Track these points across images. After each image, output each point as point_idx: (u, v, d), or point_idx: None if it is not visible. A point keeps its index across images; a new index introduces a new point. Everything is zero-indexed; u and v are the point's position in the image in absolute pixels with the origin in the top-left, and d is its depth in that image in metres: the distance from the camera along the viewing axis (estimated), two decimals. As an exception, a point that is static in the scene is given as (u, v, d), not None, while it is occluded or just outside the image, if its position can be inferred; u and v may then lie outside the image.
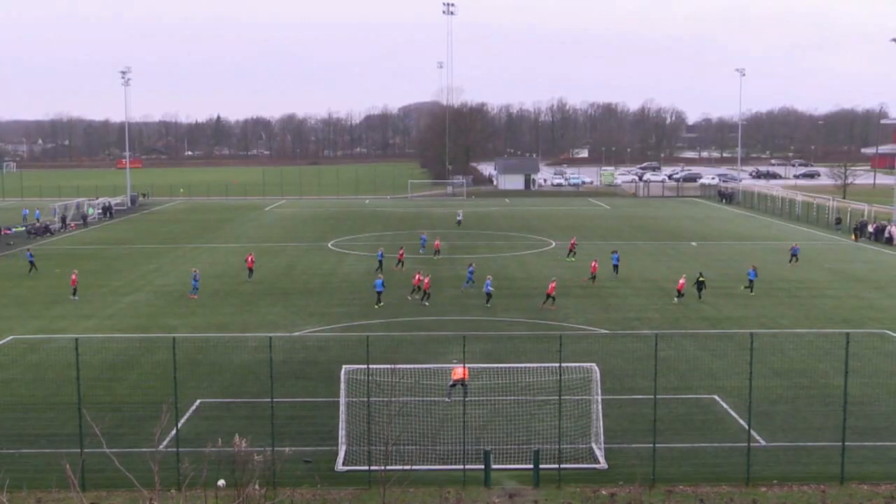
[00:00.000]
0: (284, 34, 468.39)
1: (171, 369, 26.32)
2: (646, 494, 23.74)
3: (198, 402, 32.20)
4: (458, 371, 30.85)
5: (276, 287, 55.40)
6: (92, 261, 66.91)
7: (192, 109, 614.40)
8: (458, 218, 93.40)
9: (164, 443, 26.85)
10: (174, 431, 26.37)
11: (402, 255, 62.74)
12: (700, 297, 50.47)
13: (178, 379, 26.81)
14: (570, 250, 67.81)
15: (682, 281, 50.85)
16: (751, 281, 52.76)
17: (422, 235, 74.93)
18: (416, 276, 50.95)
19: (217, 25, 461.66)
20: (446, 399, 30.66)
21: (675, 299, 49.81)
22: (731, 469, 25.78)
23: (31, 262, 61.22)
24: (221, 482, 23.37)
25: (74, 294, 51.49)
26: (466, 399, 28.54)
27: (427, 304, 48.51)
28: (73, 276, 52.57)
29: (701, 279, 51.23)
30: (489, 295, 48.25)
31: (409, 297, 49.11)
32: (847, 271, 60.91)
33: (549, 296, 47.68)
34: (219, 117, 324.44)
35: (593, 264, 56.84)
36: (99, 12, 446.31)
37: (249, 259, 59.12)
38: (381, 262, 60.08)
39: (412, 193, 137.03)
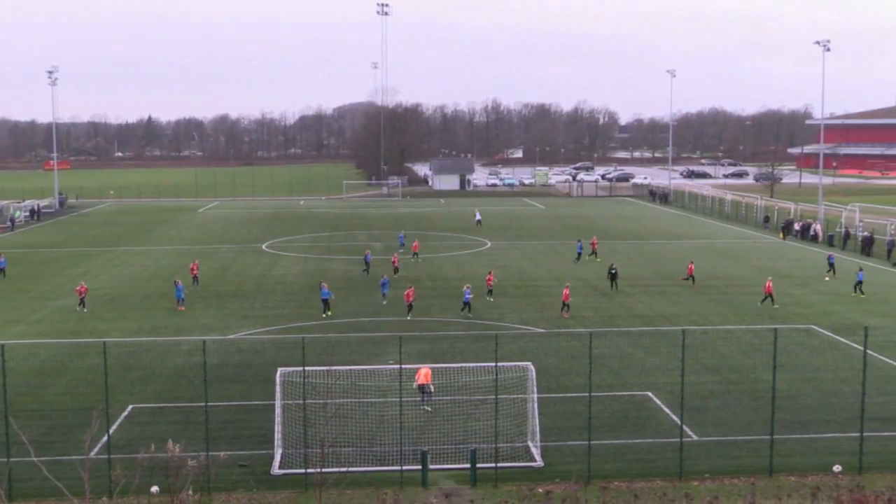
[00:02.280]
0: (216, 34, 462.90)
1: (102, 375, 25.83)
2: (581, 491, 23.98)
3: (130, 407, 31.65)
4: (421, 375, 30.65)
5: (209, 290, 54.71)
6: (19, 265, 65.25)
7: (122, 110, 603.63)
8: (477, 217, 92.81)
9: (95, 450, 26.33)
10: (105, 438, 25.91)
11: (395, 260, 60.70)
12: (613, 288, 53.11)
13: (110, 384, 26.33)
14: (593, 250, 67.04)
15: (691, 266, 55.46)
16: (860, 282, 51.94)
17: (400, 234, 74.64)
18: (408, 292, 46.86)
19: (147, 25, 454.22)
20: (427, 408, 30.39)
21: (688, 281, 55.06)
22: (665, 464, 26.19)
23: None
24: (154, 488, 23.01)
25: None
26: (403, 399, 28.50)
27: (409, 317, 45.69)
28: None
29: (613, 270, 54.10)
30: (467, 304, 46.41)
31: (409, 317, 45.72)
32: (774, 268, 62.29)
33: (564, 303, 46.50)
34: (150, 118, 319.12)
35: (691, 266, 56.18)
36: (24, 10, 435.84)
37: (193, 266, 57.02)
38: (368, 263, 60.14)
39: (347, 194, 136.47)
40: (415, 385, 30.70)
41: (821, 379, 34.79)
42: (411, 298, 46.03)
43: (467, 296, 46.47)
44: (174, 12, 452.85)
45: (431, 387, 30.63)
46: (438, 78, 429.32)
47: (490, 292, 50.18)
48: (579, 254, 66.26)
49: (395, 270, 58.77)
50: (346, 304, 49.81)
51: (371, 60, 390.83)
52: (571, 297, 47.34)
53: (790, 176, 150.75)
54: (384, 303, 48.92)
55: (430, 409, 30.35)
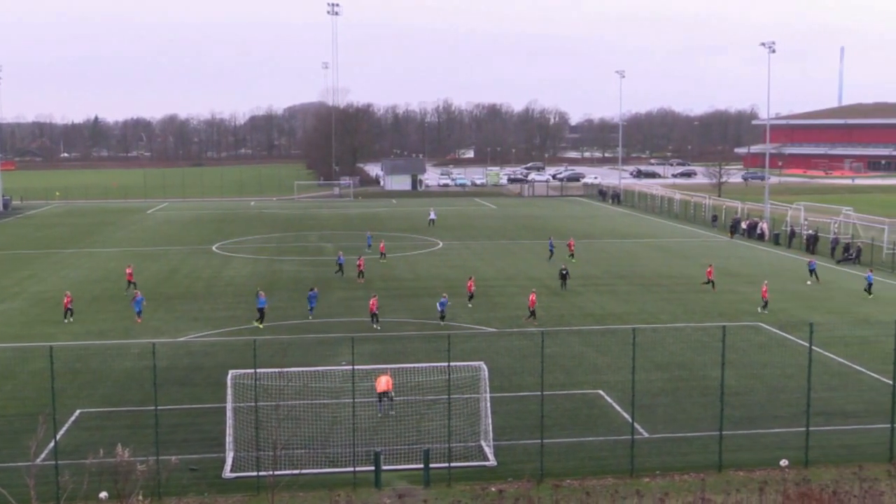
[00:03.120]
0: (165, 33, 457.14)
1: (49, 379, 25.41)
2: (534, 490, 24.13)
3: (77, 412, 31.16)
4: (382, 382, 30.48)
5: (158, 292, 54.05)
6: (-39, 268, 63.94)
7: (68, 110, 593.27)
8: (431, 216, 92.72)
9: (42, 456, 25.89)
10: (52, 443, 25.46)
11: (361, 263, 58.36)
12: (564, 288, 53.04)
13: (57, 389, 25.93)
14: (570, 252, 66.55)
15: (710, 270, 54.62)
16: (870, 284, 52.29)
17: (367, 235, 74.13)
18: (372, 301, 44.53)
19: (94, 24, 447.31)
20: (379, 413, 30.27)
21: (708, 285, 53.80)
22: (616, 461, 26.44)
23: None
24: (103, 494, 22.71)
25: None
26: (356, 400, 28.42)
27: (377, 327, 43.67)
28: None
29: (564, 270, 54.18)
30: (442, 313, 44.49)
31: (376, 327, 43.52)
32: (722, 267, 63.16)
33: (530, 310, 44.82)
34: (96, 118, 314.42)
35: (709, 270, 55.14)
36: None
37: (129, 271, 55.20)
38: (341, 265, 59.33)
39: (299, 195, 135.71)
40: (376, 392, 30.57)
41: (768, 375, 35.39)
42: (376, 308, 43.88)
43: (443, 304, 44.56)
44: (121, 11, 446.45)
45: (392, 393, 30.49)
46: (390, 78, 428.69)
47: (471, 298, 48.88)
48: (552, 251, 66.58)
49: (360, 274, 57.27)
50: (300, 305, 49.51)
51: (322, 60, 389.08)
52: (522, 298, 47.49)
53: (737, 175, 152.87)
54: (310, 318, 45.46)
55: (393, 412, 30.21)
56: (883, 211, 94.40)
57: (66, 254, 71.62)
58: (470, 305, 48.44)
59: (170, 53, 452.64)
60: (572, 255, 65.91)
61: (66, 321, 45.91)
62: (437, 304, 45.18)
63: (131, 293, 51.67)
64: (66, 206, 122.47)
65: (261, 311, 44.29)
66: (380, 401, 30.38)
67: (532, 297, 45.26)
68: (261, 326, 43.68)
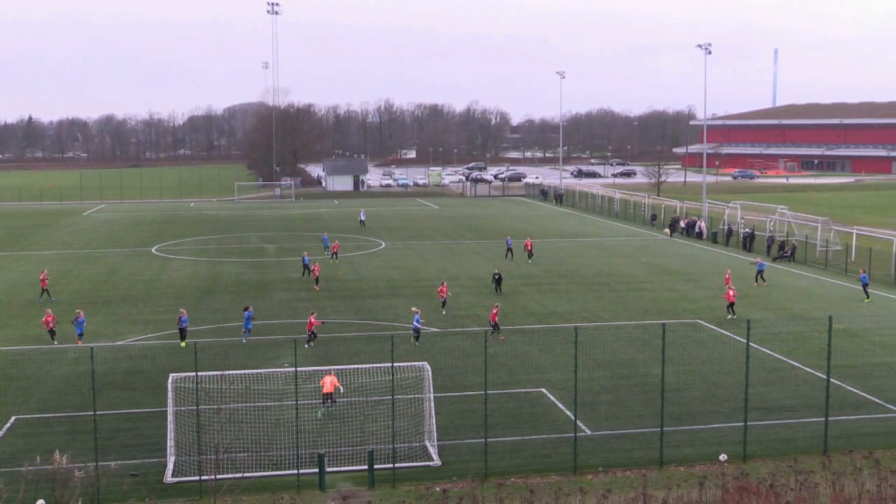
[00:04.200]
0: (102, 32, 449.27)
1: (-18, 385, 24.83)
2: (478, 488, 24.22)
3: (13, 419, 30.48)
4: (327, 384, 30.23)
5: (96, 295, 53.12)
6: None
7: (1, 109, 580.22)
8: (361, 217, 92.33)
9: (-24, 464, 25.28)
10: (-13, 451, 24.88)
11: (317, 269, 55.89)
12: (498, 292, 52.10)
13: (-9, 395, 25.33)
14: (528, 252, 66.00)
15: (728, 277, 51.34)
16: (865, 285, 51.33)
17: (323, 236, 73.40)
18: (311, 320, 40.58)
19: (28, 22, 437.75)
20: (319, 415, 30.00)
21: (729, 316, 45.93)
22: (560, 459, 26.66)
23: None
24: (41, 502, 22.26)
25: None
26: (299, 403, 28.26)
27: (310, 345, 39.56)
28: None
29: (497, 275, 53.04)
30: (417, 331, 40.29)
31: (307, 346, 39.32)
32: (662, 265, 64.08)
33: (493, 324, 41.33)
34: (30, 118, 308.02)
35: (727, 275, 51.97)
36: None
37: (43, 277, 52.37)
38: (306, 265, 58.42)
39: (239, 196, 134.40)
40: (321, 401, 30.39)
41: (707, 371, 35.97)
42: (313, 326, 39.94)
43: (417, 322, 40.37)
44: (56, 9, 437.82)
45: (338, 391, 30.30)
46: (331, 78, 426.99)
47: (444, 304, 47.16)
48: (509, 249, 66.72)
49: (316, 281, 54.98)
50: (240, 307, 48.96)
51: (262, 60, 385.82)
52: (449, 294, 47.03)
53: (675, 175, 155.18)
54: (244, 341, 40.81)
55: (322, 417, 29.92)
56: (816, 209, 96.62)
57: None
58: (444, 312, 46.55)
59: (107, 52, 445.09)
60: (530, 254, 65.98)
61: (39, 300, 48.32)
62: (413, 322, 40.53)
63: (45, 301, 50.30)
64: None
65: (182, 331, 40.36)
66: (323, 402, 30.26)
67: (494, 311, 41.62)
68: (183, 344, 39.86)
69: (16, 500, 19.74)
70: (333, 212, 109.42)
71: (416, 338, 40.02)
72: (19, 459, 24.41)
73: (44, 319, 40.97)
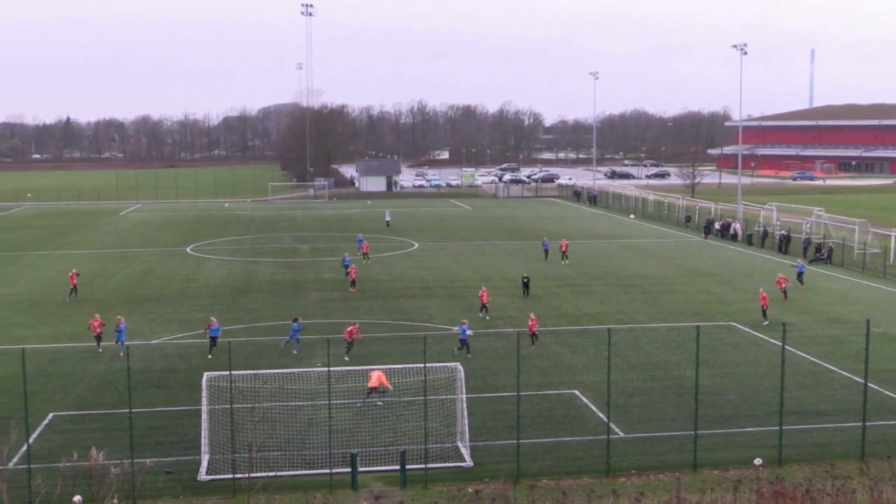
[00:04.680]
0: (139, 33, 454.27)
1: (21, 382, 25.16)
2: (510, 490, 24.16)
3: (50, 415, 30.88)
4: (374, 378, 30.54)
5: (132, 294, 53.69)
6: (-69, 270, 63.23)
7: (40, 110, 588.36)
8: (387, 218, 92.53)
9: (14, 460, 25.61)
10: (25, 447, 25.22)
11: (353, 272, 55.26)
12: (525, 295, 51.39)
13: (29, 392, 25.65)
14: (563, 253, 65.49)
15: (781, 279, 49.77)
16: (800, 273, 54.05)
17: (358, 237, 73.31)
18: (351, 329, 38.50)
19: (66, 24, 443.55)
20: (357, 404, 30.49)
21: (781, 295, 48.66)
22: (592, 461, 26.54)
23: None
24: (77, 498, 22.52)
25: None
26: (332, 402, 28.37)
27: (347, 359, 37.34)
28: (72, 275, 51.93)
29: (526, 278, 52.01)
30: (464, 342, 38.26)
31: (346, 357, 37.43)
32: (696, 267, 63.61)
33: (532, 334, 39.71)
34: (68, 119, 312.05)
35: (780, 278, 50.55)
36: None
37: (72, 275, 52.39)
38: (346, 266, 56.96)
39: (273, 196, 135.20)
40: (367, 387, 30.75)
41: (742, 374, 35.65)
42: (352, 336, 38.00)
43: (464, 332, 38.45)
44: (93, 11, 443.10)
45: (384, 389, 30.67)
46: (364, 79, 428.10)
47: (484, 308, 46.25)
48: (546, 251, 66.58)
49: (352, 283, 54.47)
50: (274, 307, 49.39)
51: (296, 61, 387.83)
52: (508, 298, 46.89)
53: (710, 176, 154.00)
54: (295, 352, 38.62)
55: (380, 403, 30.61)
56: (853, 211, 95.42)
57: (38, 256, 70.95)
58: (487, 318, 45.57)
59: (143, 53, 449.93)
60: (565, 255, 65.63)
61: (68, 300, 48.54)
62: (461, 332, 38.57)
63: (76, 299, 50.88)
64: (37, 207, 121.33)
65: (213, 339, 38.49)
66: (367, 395, 30.53)
67: (532, 322, 40.10)
68: (210, 357, 37.84)
69: (53, 495, 19.98)
70: (366, 212, 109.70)
71: (461, 348, 38.00)
72: (57, 456, 24.70)
73: (90, 323, 39.78)
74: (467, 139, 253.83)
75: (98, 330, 39.22)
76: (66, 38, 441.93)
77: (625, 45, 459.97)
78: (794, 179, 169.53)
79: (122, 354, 37.18)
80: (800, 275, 55.15)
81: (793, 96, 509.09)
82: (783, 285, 49.53)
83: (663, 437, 28.83)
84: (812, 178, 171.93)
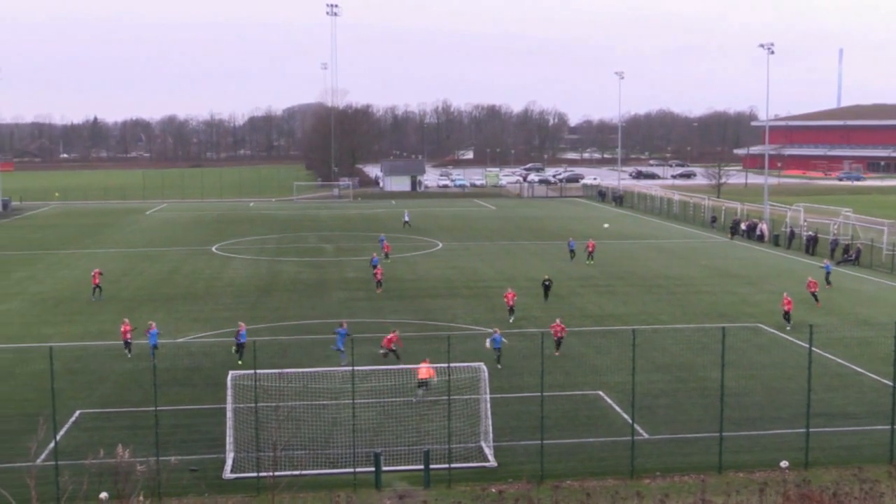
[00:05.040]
0: (164, 33, 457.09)
1: (48, 380, 25.38)
2: (534, 490, 24.10)
3: (77, 413, 31.14)
4: (423, 371, 31.04)
5: (157, 293, 54.05)
6: (-40, 269, 63.94)
7: (67, 110, 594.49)
8: (405, 219, 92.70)
9: (42, 456, 25.87)
10: (52, 444, 25.44)
11: (379, 273, 54.87)
12: (546, 299, 50.07)
13: (56, 389, 25.90)
14: (590, 253, 65.12)
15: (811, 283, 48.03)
16: (827, 274, 54.34)
17: (380, 237, 73.41)
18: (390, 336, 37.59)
19: (93, 24, 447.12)
20: (413, 399, 30.88)
21: (813, 300, 47.98)
22: (617, 462, 26.42)
23: None
24: (104, 495, 22.68)
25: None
26: (356, 401, 28.42)
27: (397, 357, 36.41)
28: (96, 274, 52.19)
29: (547, 281, 50.84)
30: (498, 351, 36.62)
31: (383, 355, 36.89)
32: (722, 268, 63.20)
33: (558, 340, 38.38)
34: (96, 118, 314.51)
35: (810, 282, 49.55)
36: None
37: (95, 274, 52.47)
38: (375, 266, 56.49)
39: (298, 196, 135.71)
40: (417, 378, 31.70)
41: (768, 376, 35.38)
42: (391, 344, 36.90)
43: (497, 342, 36.85)
44: (119, 11, 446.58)
45: (433, 380, 31.15)
46: (389, 79, 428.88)
47: (511, 311, 45.63)
48: (572, 251, 66.38)
49: (378, 284, 54.04)
50: (298, 306, 49.57)
51: (321, 61, 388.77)
52: (532, 298, 46.49)
53: (736, 176, 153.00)
54: (343, 363, 35.42)
55: (416, 400, 31.19)
56: (882, 212, 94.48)
57: (65, 254, 71.59)
58: (511, 320, 44.50)
59: (169, 54, 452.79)
60: (591, 255, 65.32)
61: (93, 299, 49.24)
62: (491, 342, 36.85)
63: (101, 298, 51.09)
64: (64, 206, 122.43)
65: (241, 346, 37.23)
66: (419, 387, 31.15)
67: (558, 327, 38.54)
68: (240, 363, 35.88)
69: (80, 492, 20.12)
70: (390, 212, 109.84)
71: (498, 360, 36.34)
72: (83, 452, 24.86)
73: (123, 329, 38.81)
74: (492, 139, 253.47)
75: (128, 336, 38.35)
76: (93, 39, 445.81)
77: (651, 45, 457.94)
78: (841, 180, 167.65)
79: (154, 360, 34.88)
80: (827, 275, 54.67)
81: (820, 96, 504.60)
82: (814, 289, 48.74)
83: (688, 438, 28.66)
84: (859, 179, 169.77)
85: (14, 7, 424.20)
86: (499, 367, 35.75)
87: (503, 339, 37.23)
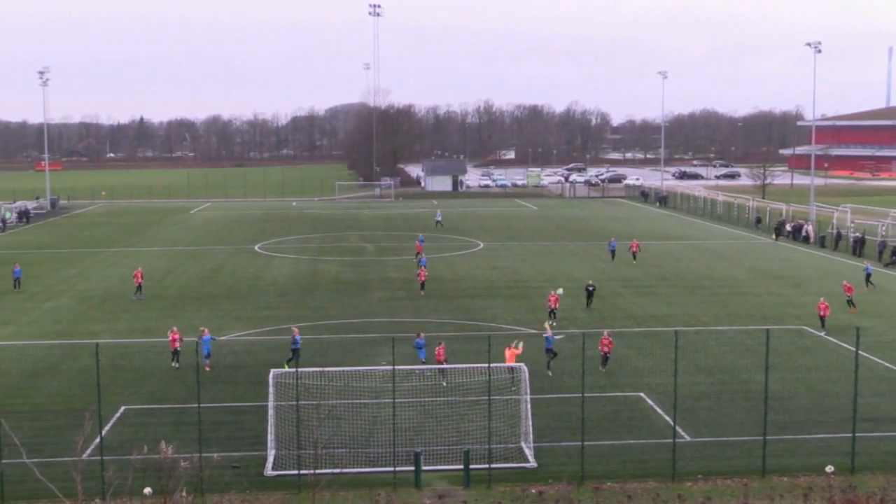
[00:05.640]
0: (207, 34, 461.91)
1: (95, 376, 25.77)
2: (574, 492, 24.00)
3: (122, 408, 31.58)
4: (507, 356, 32.15)
5: (201, 291, 54.63)
6: (9, 266, 65.05)
7: (114, 110, 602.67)
8: (438, 218, 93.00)
9: (88, 451, 26.26)
10: (98, 439, 25.83)
11: (422, 274, 53.82)
12: (588, 305, 48.27)
13: (102, 385, 26.29)
14: (633, 253, 65.05)
15: (824, 304, 43.67)
16: (868, 275, 53.99)
17: (419, 237, 73.38)
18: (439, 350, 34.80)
19: (138, 25, 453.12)
20: (512, 386, 31.21)
21: (851, 306, 46.30)
22: (658, 465, 26.22)
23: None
24: (147, 490, 22.96)
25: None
26: (397, 400, 28.46)
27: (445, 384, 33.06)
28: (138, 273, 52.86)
29: (591, 286, 48.94)
30: (551, 352, 35.68)
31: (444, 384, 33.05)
32: (766, 269, 62.45)
33: (604, 356, 36.17)
34: (142, 118, 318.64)
35: (847, 285, 48.43)
36: (16, 11, 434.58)
37: (137, 274, 52.70)
38: (422, 266, 55.70)
39: (340, 195, 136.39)
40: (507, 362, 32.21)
41: (813, 380, 34.89)
42: (443, 357, 34.36)
43: (549, 341, 35.65)
44: (165, 13, 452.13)
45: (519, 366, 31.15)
46: (431, 79, 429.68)
47: (552, 314, 44.60)
48: (613, 251, 66.20)
49: (422, 286, 53.03)
50: (339, 305, 49.82)
51: (363, 61, 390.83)
52: (573, 299, 46.11)
53: (781, 177, 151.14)
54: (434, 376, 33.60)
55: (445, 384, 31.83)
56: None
57: (111, 252, 72.61)
58: (553, 323, 42.49)
59: (213, 54, 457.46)
60: (635, 255, 64.94)
61: (134, 298, 49.90)
62: (546, 343, 35.77)
63: (142, 298, 51.54)
64: (111, 205, 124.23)
65: (295, 351, 35.78)
66: (511, 371, 31.64)
67: (605, 341, 36.26)
68: (291, 364, 34.31)
69: (125, 487, 20.40)
70: (431, 212, 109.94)
71: (550, 360, 35.55)
72: (128, 448, 25.19)
73: (171, 337, 37.32)
74: (533, 139, 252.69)
75: (176, 344, 36.95)
76: (140, 40, 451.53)
77: (695, 45, 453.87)
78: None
79: (207, 368, 35.55)
80: (868, 276, 53.86)
81: (869, 95, 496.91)
82: (850, 293, 47.88)
83: (731, 441, 28.36)
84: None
85: (62, 9, 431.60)
86: (549, 373, 35.11)
87: (555, 337, 36.23)
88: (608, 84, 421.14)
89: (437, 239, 78.99)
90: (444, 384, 31.84)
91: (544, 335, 36.17)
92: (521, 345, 32.78)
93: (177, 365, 36.64)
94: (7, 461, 23.59)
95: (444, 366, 33.11)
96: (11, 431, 20.38)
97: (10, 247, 77.15)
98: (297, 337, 36.35)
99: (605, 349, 36.05)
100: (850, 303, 47.42)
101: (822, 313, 43.00)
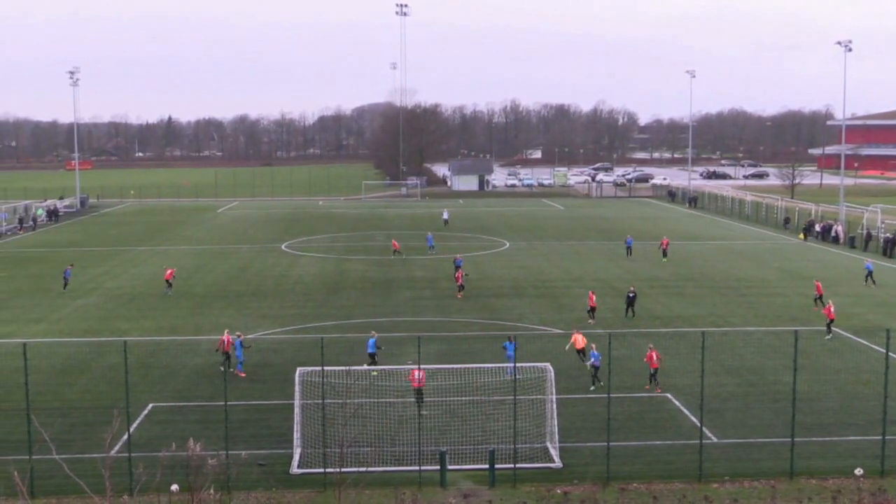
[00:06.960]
0: (235, 34, 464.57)
1: (123, 373, 25.98)
2: (600, 492, 23.93)
3: (150, 406, 31.83)
4: (579, 340, 34.20)
5: (228, 289, 54.94)
6: (40, 264, 65.82)
7: (143, 110, 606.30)
8: (445, 217, 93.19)
9: (116, 448, 26.49)
10: (126, 436, 26.04)
11: (460, 277, 52.94)
12: (629, 314, 46.07)
13: (130, 383, 26.48)
14: (663, 251, 65.97)
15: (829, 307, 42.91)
16: (869, 273, 54.73)
17: (428, 235, 74.01)
18: None
19: (167, 25, 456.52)
20: (588, 367, 32.43)
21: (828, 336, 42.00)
22: (684, 466, 26.08)
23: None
24: (175, 487, 23.13)
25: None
26: (422, 401, 28.55)
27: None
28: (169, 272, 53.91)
29: (632, 293, 46.59)
30: (596, 369, 33.73)
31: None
32: (795, 270, 61.93)
33: (654, 372, 33.73)
34: (170, 118, 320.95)
35: (818, 283, 48.79)
36: (46, 11, 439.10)
37: (169, 273, 53.90)
38: (458, 267, 55.02)
39: (366, 195, 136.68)
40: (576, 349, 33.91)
41: (842, 381, 34.56)
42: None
43: (595, 358, 33.67)
44: (194, 12, 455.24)
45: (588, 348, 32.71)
46: (457, 78, 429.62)
47: (592, 312, 44.82)
48: (629, 247, 66.64)
49: (460, 288, 51.78)
50: (365, 304, 49.93)
51: (390, 61, 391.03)
52: (600, 299, 45.92)
53: (811, 177, 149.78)
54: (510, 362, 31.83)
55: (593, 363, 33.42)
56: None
57: (140, 251, 73.20)
58: (593, 322, 43.68)
59: (241, 54, 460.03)
60: (665, 253, 64.68)
61: (165, 292, 51.96)
62: (592, 357, 34.02)
63: (169, 293, 52.26)
64: (139, 204, 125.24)
65: (372, 356, 35.31)
66: (582, 357, 32.46)
67: (652, 356, 33.68)
68: (374, 373, 32.63)
69: (152, 483, 20.57)
70: (457, 211, 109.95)
71: (595, 378, 33.79)
72: (156, 445, 25.44)
73: (220, 340, 36.73)
74: (560, 138, 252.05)
75: (227, 347, 35.91)
76: (168, 40, 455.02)
77: (722, 44, 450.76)
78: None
79: (242, 374, 35.45)
80: (869, 274, 54.04)
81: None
82: (821, 293, 47.36)
83: (758, 443, 28.15)
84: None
85: (92, 9, 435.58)
86: (591, 388, 33.54)
87: (599, 355, 33.32)
88: (635, 83, 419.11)
89: (446, 238, 78.98)
90: (589, 365, 33.69)
91: (591, 352, 34.16)
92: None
93: (228, 369, 35.30)
94: (37, 457, 23.83)
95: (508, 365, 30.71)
96: (41, 427, 20.57)
97: (41, 245, 77.98)
98: (373, 339, 35.73)
99: (654, 366, 33.46)
100: (817, 301, 47.07)
101: (830, 317, 42.04)
